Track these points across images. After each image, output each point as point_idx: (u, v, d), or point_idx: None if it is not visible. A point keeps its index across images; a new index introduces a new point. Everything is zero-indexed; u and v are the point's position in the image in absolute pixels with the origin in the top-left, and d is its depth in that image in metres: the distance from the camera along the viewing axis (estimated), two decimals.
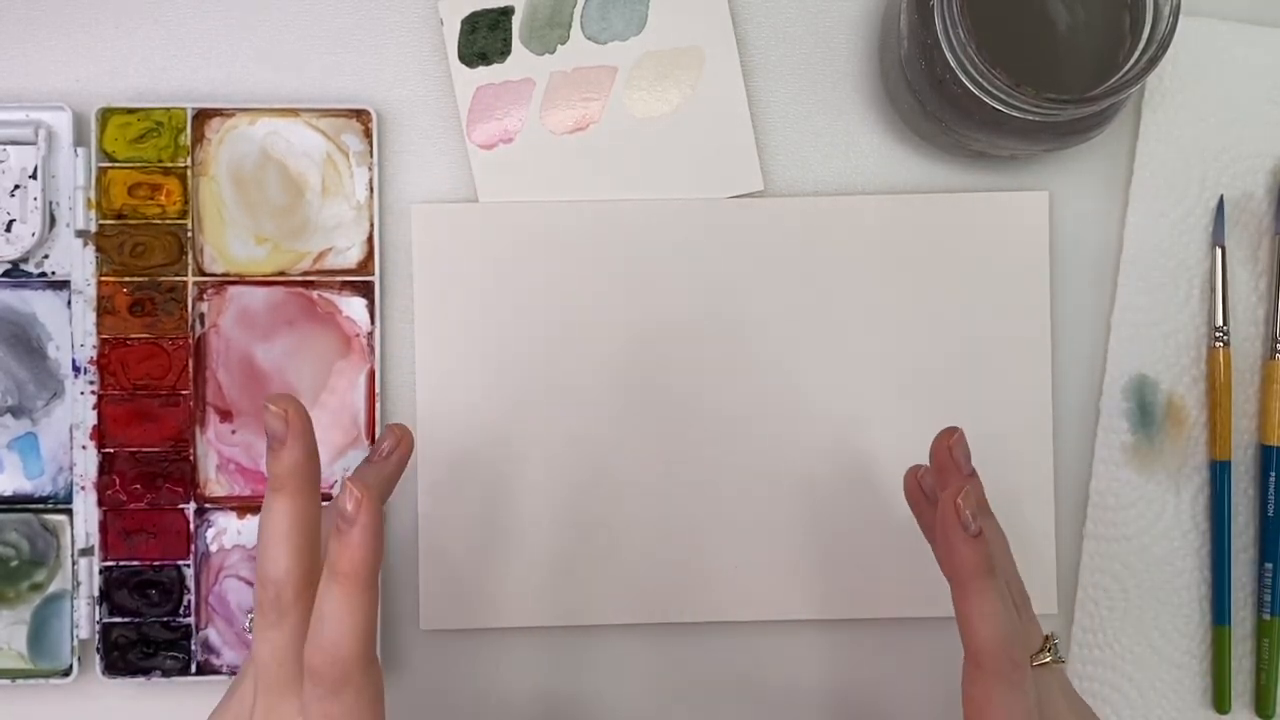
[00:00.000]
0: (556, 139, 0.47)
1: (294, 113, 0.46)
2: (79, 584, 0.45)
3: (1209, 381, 0.47)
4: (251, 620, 0.35)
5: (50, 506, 0.46)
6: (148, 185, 0.46)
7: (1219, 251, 0.47)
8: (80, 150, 0.45)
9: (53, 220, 0.46)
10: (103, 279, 0.45)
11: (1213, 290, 0.47)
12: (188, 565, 0.45)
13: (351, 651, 0.32)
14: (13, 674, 0.45)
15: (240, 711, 0.35)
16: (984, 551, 0.34)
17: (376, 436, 0.46)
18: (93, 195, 0.45)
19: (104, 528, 0.45)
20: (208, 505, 0.46)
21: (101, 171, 0.45)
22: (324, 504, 0.35)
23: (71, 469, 0.46)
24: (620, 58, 0.47)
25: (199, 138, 0.46)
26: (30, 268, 0.46)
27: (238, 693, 0.35)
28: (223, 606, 0.46)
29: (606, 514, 0.46)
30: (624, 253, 0.46)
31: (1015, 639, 0.34)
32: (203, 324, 0.46)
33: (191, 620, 0.45)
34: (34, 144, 0.45)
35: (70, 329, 0.46)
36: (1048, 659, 0.35)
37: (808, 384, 0.46)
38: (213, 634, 0.46)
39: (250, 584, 0.46)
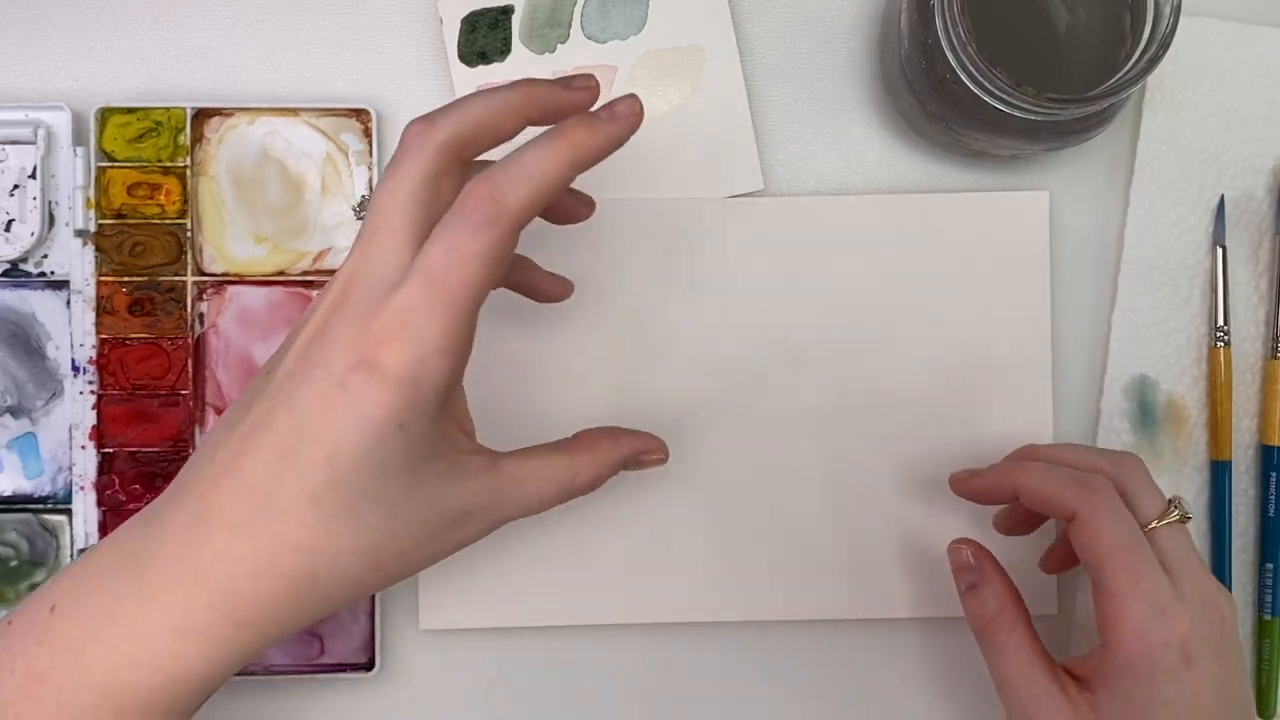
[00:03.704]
0: None
1: (294, 112, 0.46)
2: None
3: (1209, 381, 0.47)
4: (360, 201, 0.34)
5: (50, 506, 0.46)
6: (147, 185, 0.46)
7: (1219, 251, 0.47)
8: (79, 150, 0.45)
9: (52, 220, 0.46)
10: (102, 279, 0.45)
11: (1213, 290, 0.47)
12: None
13: (522, 199, 0.32)
14: None
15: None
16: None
17: None
18: (92, 195, 0.45)
19: (103, 528, 0.45)
20: None
21: (101, 171, 0.45)
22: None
23: (71, 469, 0.46)
24: (620, 57, 0.47)
25: (198, 137, 0.46)
26: (29, 267, 0.46)
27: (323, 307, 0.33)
28: None
29: (606, 513, 0.46)
30: (623, 252, 0.46)
31: (1068, 488, 0.38)
32: (202, 324, 0.46)
33: None
34: (33, 144, 0.45)
35: (69, 329, 0.46)
36: (1174, 517, 0.38)
37: (806, 383, 0.46)
38: None
39: None
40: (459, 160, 0.34)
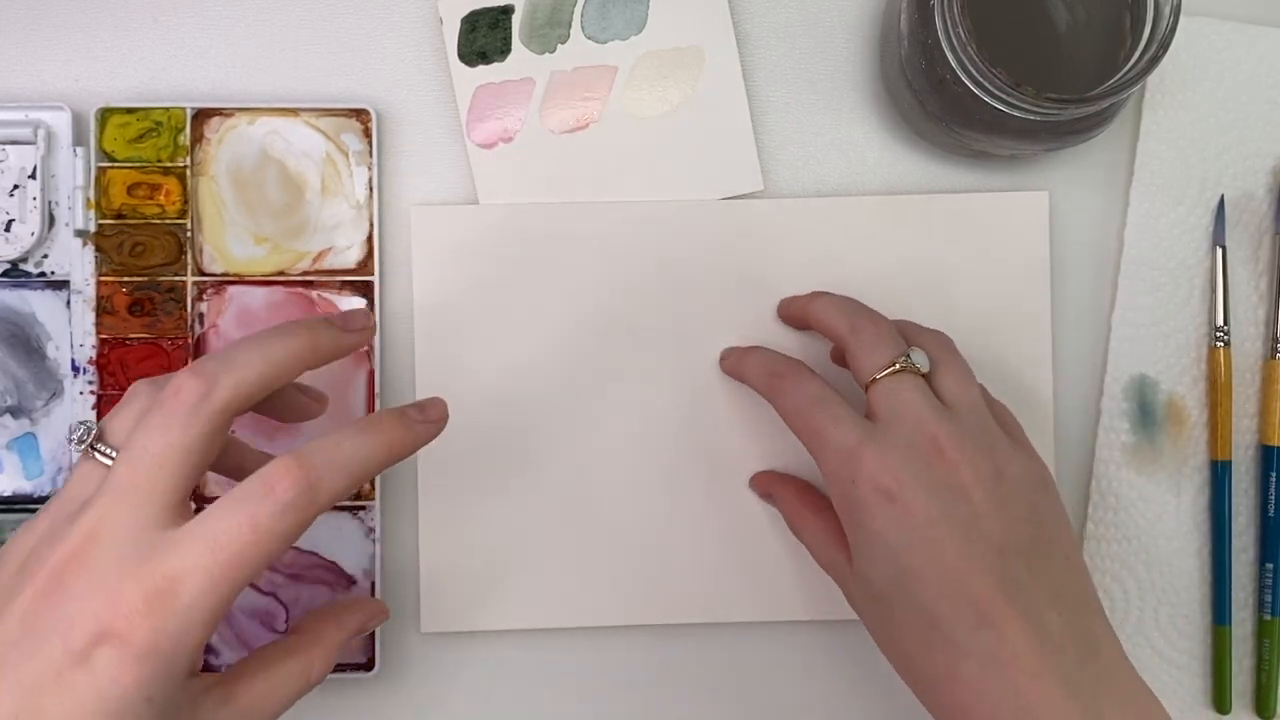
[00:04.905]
0: (556, 139, 0.46)
1: (294, 112, 0.46)
2: None
3: (1209, 381, 0.47)
4: (84, 432, 0.32)
5: None
6: (147, 185, 0.46)
7: (1219, 251, 0.47)
8: (79, 150, 0.45)
9: (52, 220, 0.46)
10: (102, 279, 0.45)
11: (1213, 290, 0.47)
12: None
13: (337, 489, 0.31)
14: None
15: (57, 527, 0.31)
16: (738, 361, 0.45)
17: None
18: (92, 195, 0.45)
19: None
20: (206, 506, 0.46)
21: (101, 171, 0.45)
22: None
23: (71, 469, 0.45)
24: (620, 57, 0.47)
25: (198, 137, 0.46)
26: (29, 267, 0.46)
27: (50, 513, 0.31)
28: None
29: (608, 515, 0.46)
30: (624, 253, 0.46)
31: (773, 364, 0.42)
32: (202, 324, 0.46)
33: None
34: (33, 144, 0.45)
35: (69, 329, 0.46)
36: (892, 369, 0.39)
37: None
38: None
39: (255, 588, 0.46)
40: (233, 420, 0.33)
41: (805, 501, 0.43)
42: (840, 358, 0.44)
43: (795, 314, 0.45)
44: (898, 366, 0.39)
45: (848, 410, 0.39)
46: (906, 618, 0.36)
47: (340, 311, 0.36)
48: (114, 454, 0.32)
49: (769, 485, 0.46)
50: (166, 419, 0.31)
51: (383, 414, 0.34)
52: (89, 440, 0.32)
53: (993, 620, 0.35)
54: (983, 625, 0.35)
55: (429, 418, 0.35)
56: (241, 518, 0.30)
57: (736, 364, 0.45)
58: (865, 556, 0.38)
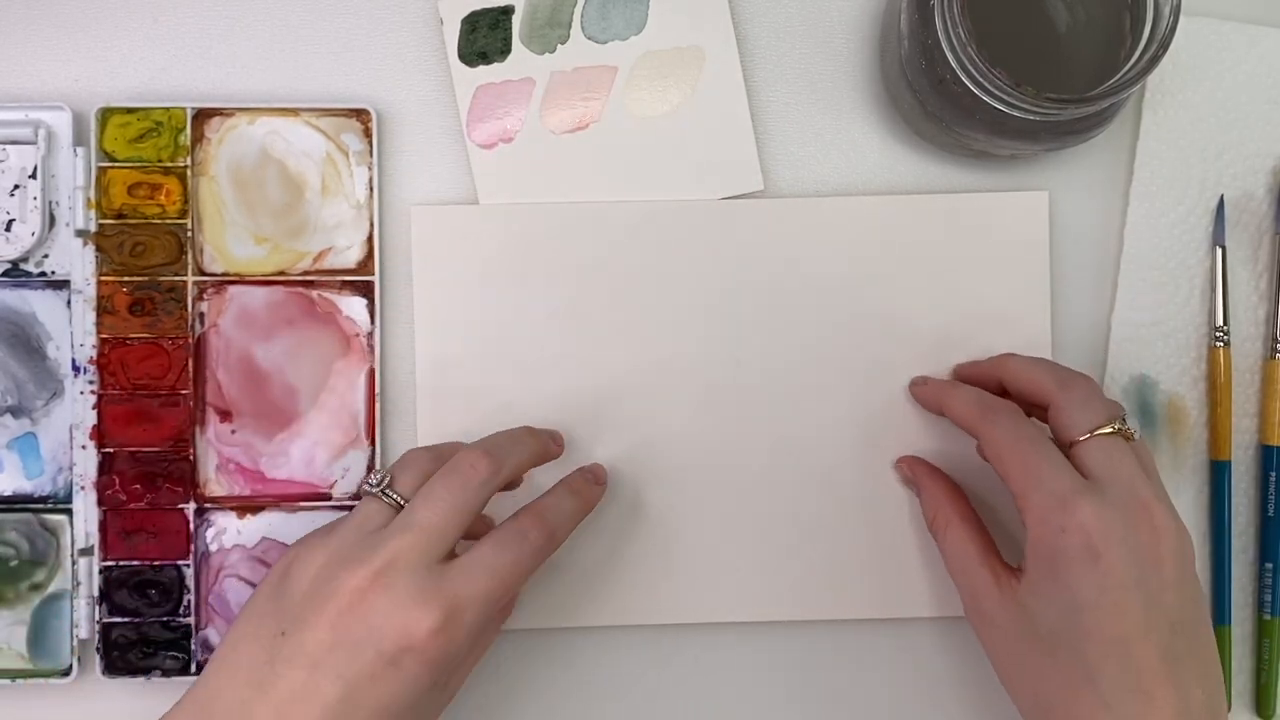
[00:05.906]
0: (556, 139, 0.47)
1: (294, 112, 0.46)
2: (79, 584, 0.45)
3: (1209, 381, 0.47)
4: (382, 477, 0.39)
5: (50, 506, 0.46)
6: (147, 185, 0.46)
7: (1219, 251, 0.47)
8: (80, 150, 0.45)
9: (52, 220, 0.46)
10: (102, 279, 0.45)
11: (1213, 290, 0.47)
12: (187, 565, 0.45)
13: (564, 534, 0.41)
14: (13, 674, 0.45)
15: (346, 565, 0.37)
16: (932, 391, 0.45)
17: (377, 437, 0.46)
18: (92, 195, 0.45)
19: (104, 527, 0.45)
20: (207, 505, 0.46)
21: (101, 171, 0.45)
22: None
23: (71, 469, 0.46)
24: (620, 57, 0.47)
25: (199, 137, 0.46)
26: (30, 267, 0.46)
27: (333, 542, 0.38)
28: (223, 606, 0.46)
29: (609, 514, 0.46)
30: (624, 253, 0.46)
31: (979, 400, 0.42)
32: (202, 324, 0.46)
33: (191, 620, 0.45)
34: (34, 144, 0.45)
35: (70, 329, 0.46)
36: (1107, 431, 0.39)
37: (807, 384, 0.46)
38: (212, 634, 0.46)
39: (251, 584, 0.46)
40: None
41: (953, 504, 0.43)
42: (1032, 411, 0.43)
43: (981, 376, 0.45)
44: (1113, 429, 0.39)
45: (1063, 457, 0.39)
46: (1062, 663, 0.37)
47: (551, 430, 0.45)
48: (402, 501, 0.39)
49: (916, 475, 0.45)
50: (465, 483, 0.39)
51: (573, 478, 0.43)
52: (384, 485, 0.39)
53: (1150, 690, 0.36)
54: (1138, 691, 0.36)
55: (599, 479, 0.45)
56: (509, 555, 0.38)
57: (935, 396, 0.45)
58: (1043, 597, 0.38)
